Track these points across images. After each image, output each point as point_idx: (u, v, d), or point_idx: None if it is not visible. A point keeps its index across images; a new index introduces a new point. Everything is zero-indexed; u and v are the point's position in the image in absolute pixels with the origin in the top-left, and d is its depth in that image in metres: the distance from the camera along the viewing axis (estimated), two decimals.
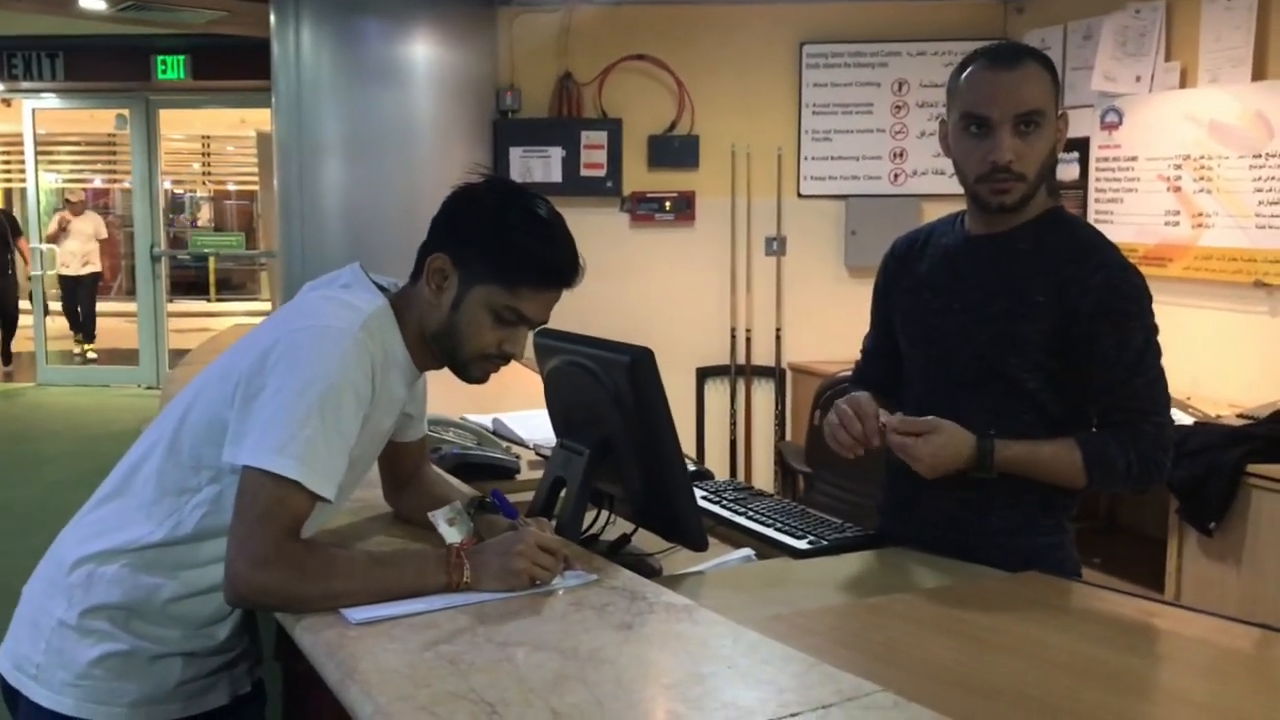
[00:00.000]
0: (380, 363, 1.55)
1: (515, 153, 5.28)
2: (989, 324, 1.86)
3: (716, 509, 2.23)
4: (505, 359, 1.65)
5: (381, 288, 1.67)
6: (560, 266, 1.62)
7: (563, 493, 1.96)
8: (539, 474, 2.22)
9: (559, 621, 1.39)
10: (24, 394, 9.55)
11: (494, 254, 1.58)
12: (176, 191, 16.85)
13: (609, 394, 1.88)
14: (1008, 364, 1.85)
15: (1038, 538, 1.88)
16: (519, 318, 1.62)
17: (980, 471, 1.80)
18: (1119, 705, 1.36)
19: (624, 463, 1.92)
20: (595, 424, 1.95)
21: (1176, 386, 4.22)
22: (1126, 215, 4.55)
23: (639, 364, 1.83)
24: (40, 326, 9.80)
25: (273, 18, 5.14)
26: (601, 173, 5.34)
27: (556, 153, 5.30)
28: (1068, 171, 4.84)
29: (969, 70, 1.84)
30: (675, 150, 5.41)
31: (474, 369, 1.65)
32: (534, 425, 2.76)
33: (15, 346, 10.61)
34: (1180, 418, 3.75)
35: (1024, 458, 1.81)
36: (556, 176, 5.31)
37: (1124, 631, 1.66)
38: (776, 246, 5.52)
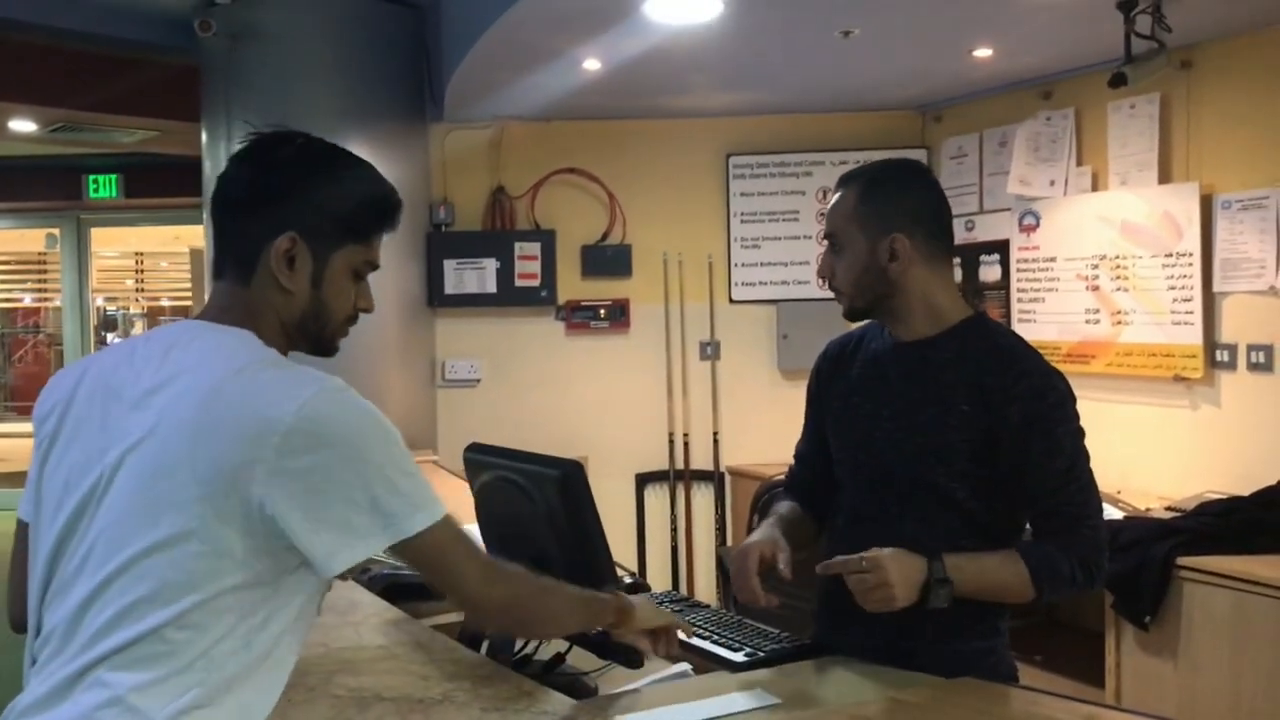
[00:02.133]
0: None
1: (449, 265, 5.30)
2: (916, 433, 1.88)
3: None
4: (358, 316, 1.52)
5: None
6: (396, 198, 1.52)
7: None
8: None
9: None
10: None
11: (345, 214, 1.45)
12: (109, 309, 16.64)
13: (540, 509, 1.87)
14: (936, 473, 1.86)
15: (973, 641, 1.88)
16: (372, 269, 1.50)
17: (936, 602, 1.77)
18: None
19: (557, 579, 1.90)
20: (527, 539, 1.93)
21: (1106, 480, 4.29)
22: (1048, 314, 4.67)
23: (569, 478, 1.83)
24: None
25: (204, 136, 5.16)
26: (536, 283, 5.38)
27: (491, 264, 5.34)
28: (989, 273, 4.97)
29: None
30: (608, 259, 5.48)
31: (338, 338, 1.52)
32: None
33: None
34: (1111, 512, 3.80)
35: (973, 580, 1.80)
36: (491, 287, 5.34)
37: None
38: (711, 351, 5.57)
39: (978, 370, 1.86)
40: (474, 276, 5.33)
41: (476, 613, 1.51)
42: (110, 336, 16.48)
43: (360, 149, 5.56)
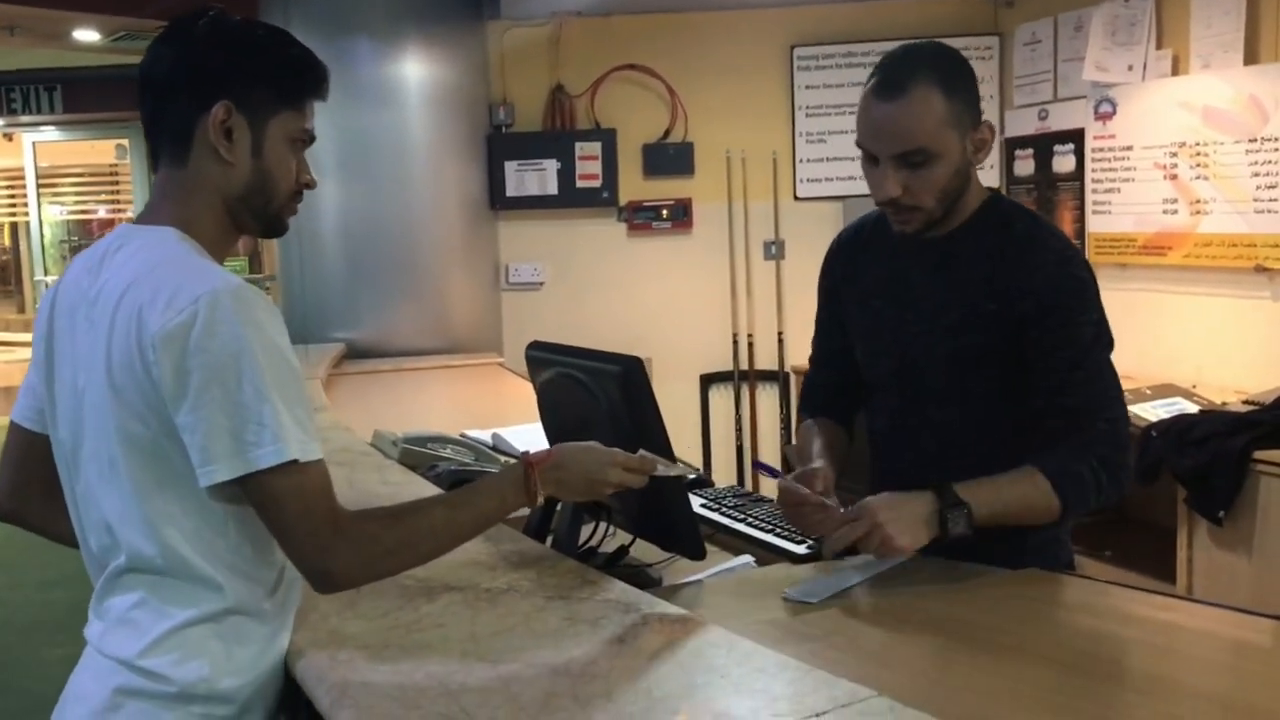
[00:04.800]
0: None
1: (510, 166, 5.28)
2: (946, 338, 1.80)
3: (715, 516, 2.21)
4: (304, 192, 1.49)
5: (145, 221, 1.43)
6: (323, 66, 1.48)
7: (559, 506, 1.95)
8: None
9: (551, 637, 1.38)
10: None
11: (275, 79, 1.41)
12: None
13: (601, 405, 1.87)
14: (970, 378, 1.79)
15: (1035, 535, 1.84)
16: (309, 138, 1.47)
17: (956, 529, 1.65)
18: (1123, 702, 1.34)
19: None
20: (589, 435, 1.93)
21: (1182, 374, 4.21)
22: (1124, 205, 4.53)
23: (629, 374, 1.82)
24: None
25: None
26: (597, 183, 5.33)
27: (551, 165, 5.30)
28: (1063, 164, 4.82)
29: (864, 91, 1.75)
30: (670, 158, 5.41)
31: (285, 215, 1.48)
32: (533, 439, 2.75)
33: (19, 379, 10.61)
34: (1185, 406, 3.73)
35: (990, 500, 1.68)
36: (552, 189, 5.31)
37: (1128, 626, 1.64)
38: (775, 250, 5.51)
39: (995, 263, 1.75)
40: (535, 178, 5.30)
41: (313, 584, 1.34)
42: None
43: (418, 49, 5.47)
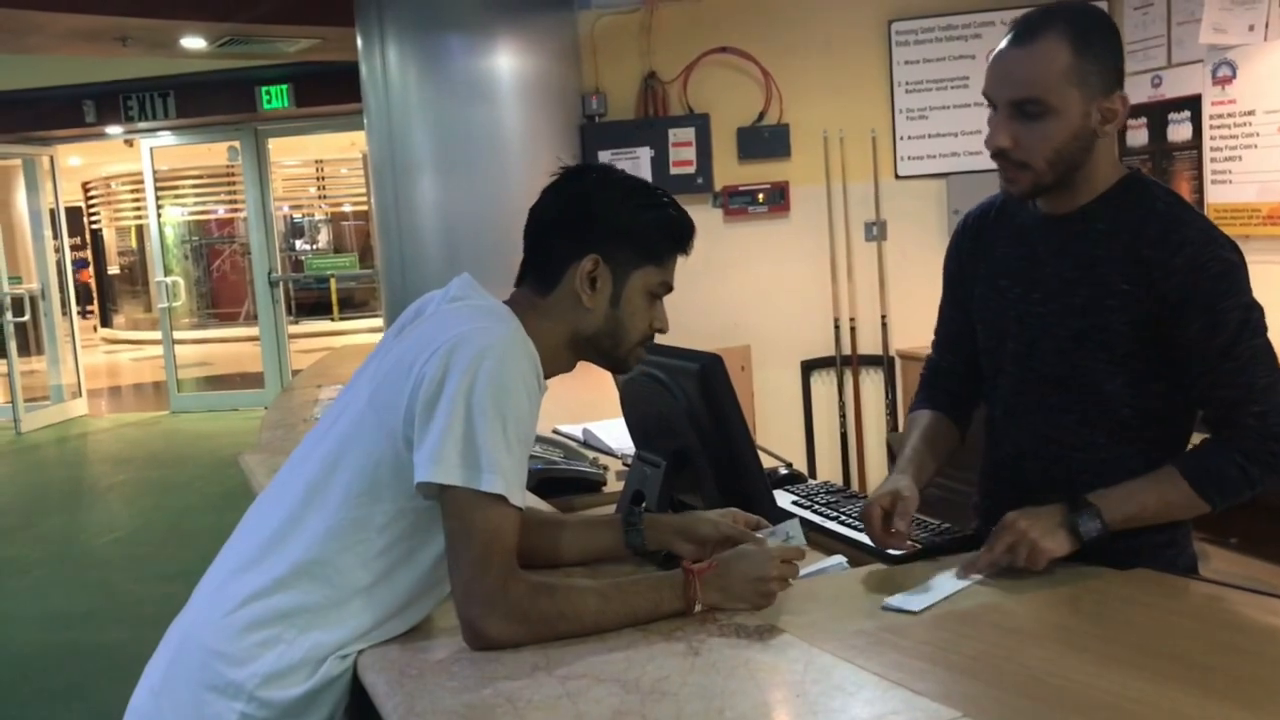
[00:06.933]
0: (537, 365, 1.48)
1: (604, 156, 5.24)
2: (1074, 317, 1.71)
3: (807, 514, 2.14)
4: (653, 336, 1.64)
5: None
6: (690, 224, 1.62)
7: (643, 505, 1.92)
8: None
9: (624, 650, 1.34)
10: (159, 422, 9.95)
11: (642, 237, 1.57)
12: (295, 216, 17.34)
13: (681, 403, 1.83)
14: (1097, 360, 1.70)
15: (1150, 535, 1.73)
16: (667, 290, 1.61)
17: (1089, 531, 1.63)
18: None
19: (701, 472, 1.87)
20: (670, 434, 1.90)
21: None
22: (1246, 174, 4.28)
23: (708, 371, 1.78)
24: (170, 357, 10.19)
25: (359, 40, 5.21)
26: (691, 169, 5.27)
27: (645, 153, 5.25)
28: (1179, 132, 4.59)
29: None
30: (765, 141, 5.31)
31: (633, 357, 1.63)
32: (623, 434, 2.72)
33: (149, 376, 11.03)
34: None
35: (1123, 506, 1.65)
36: (646, 177, 5.26)
37: (1248, 635, 1.53)
38: (876, 231, 5.37)
39: (1134, 241, 1.67)
40: (629, 167, 5.22)
41: (464, 631, 1.37)
42: (298, 244, 17.26)
43: (510, 42, 5.46)
